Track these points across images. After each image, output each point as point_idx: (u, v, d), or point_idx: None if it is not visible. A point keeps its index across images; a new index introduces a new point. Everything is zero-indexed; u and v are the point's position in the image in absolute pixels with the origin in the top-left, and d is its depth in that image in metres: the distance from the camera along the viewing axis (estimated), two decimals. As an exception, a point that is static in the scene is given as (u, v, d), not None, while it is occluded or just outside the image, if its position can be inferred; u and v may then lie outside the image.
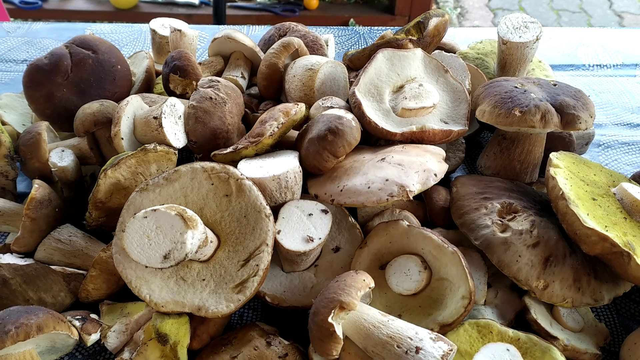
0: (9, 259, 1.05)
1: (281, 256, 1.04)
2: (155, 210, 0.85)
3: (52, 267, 1.04)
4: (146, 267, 0.96)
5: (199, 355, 0.98)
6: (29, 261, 1.04)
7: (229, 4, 3.81)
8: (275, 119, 1.09)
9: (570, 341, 0.96)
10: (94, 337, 0.95)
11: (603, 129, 1.42)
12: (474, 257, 1.04)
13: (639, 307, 1.09)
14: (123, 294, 1.05)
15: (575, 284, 0.99)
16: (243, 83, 1.38)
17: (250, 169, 1.04)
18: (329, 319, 0.86)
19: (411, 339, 0.86)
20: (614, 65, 1.62)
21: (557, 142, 1.24)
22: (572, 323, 1.00)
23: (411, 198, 0.99)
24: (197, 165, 1.00)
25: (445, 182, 1.21)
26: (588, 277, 1.00)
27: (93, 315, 0.99)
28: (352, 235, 1.09)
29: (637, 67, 1.61)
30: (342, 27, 1.80)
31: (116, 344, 0.97)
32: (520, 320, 1.01)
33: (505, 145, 1.21)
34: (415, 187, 1.00)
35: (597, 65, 1.62)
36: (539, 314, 0.98)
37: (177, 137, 1.14)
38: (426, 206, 1.14)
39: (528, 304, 0.99)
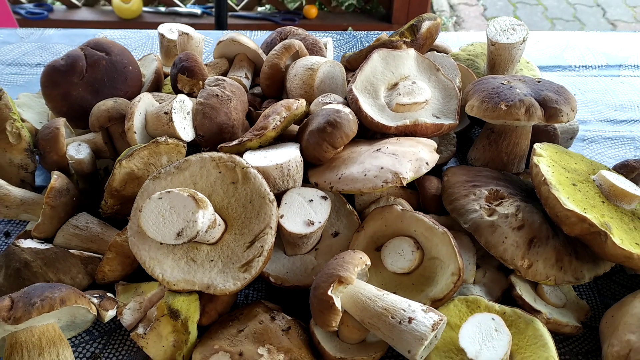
0: (30, 243, 1.12)
1: (284, 240, 1.12)
2: (169, 192, 0.93)
3: (71, 251, 1.12)
4: (159, 249, 1.04)
5: (208, 331, 1.05)
6: (48, 246, 1.12)
7: (230, 13, 3.91)
8: (277, 113, 1.17)
9: (552, 315, 1.03)
10: (110, 313, 1.03)
11: (587, 125, 1.50)
12: (463, 239, 1.12)
13: (619, 287, 1.17)
14: (137, 276, 1.12)
15: (558, 263, 1.06)
16: (247, 83, 1.46)
17: (254, 159, 1.11)
18: (329, 292, 0.94)
19: (404, 311, 0.94)
20: (598, 66, 1.70)
21: (542, 135, 1.32)
22: (554, 299, 1.07)
23: (404, 184, 1.07)
24: (206, 155, 1.08)
25: (438, 173, 1.29)
26: (570, 257, 1.07)
27: (109, 295, 1.06)
28: (350, 221, 1.17)
29: (620, 67, 1.70)
30: (340, 31, 1.88)
31: (131, 321, 1.04)
32: (507, 298, 1.08)
33: (494, 138, 1.29)
34: (408, 174, 1.07)
35: (582, 66, 1.70)
36: (523, 291, 1.06)
37: (186, 131, 1.22)
38: (419, 194, 1.21)
39: (514, 281, 1.07)
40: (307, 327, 1.05)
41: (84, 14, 3.99)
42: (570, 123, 1.40)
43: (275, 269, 1.12)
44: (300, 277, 1.11)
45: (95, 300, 1.03)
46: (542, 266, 1.05)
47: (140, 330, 1.03)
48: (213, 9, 3.78)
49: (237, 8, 4.02)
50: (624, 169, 1.26)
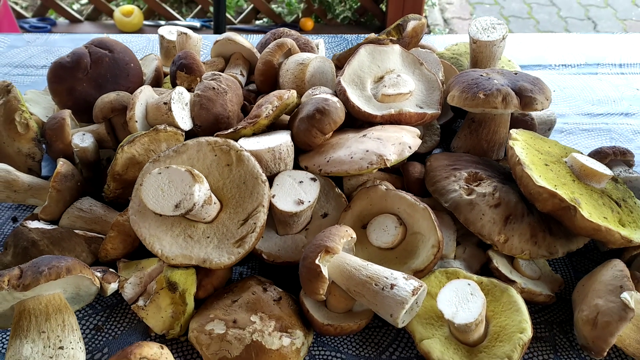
0: (37, 224, 1.19)
1: (276, 220, 1.19)
2: (168, 167, 1.00)
3: (75, 231, 1.19)
4: (158, 226, 1.11)
5: (204, 303, 1.12)
6: (54, 227, 1.19)
7: (228, 26, 4.02)
8: (270, 102, 1.25)
9: (527, 285, 1.10)
10: (113, 286, 1.10)
11: (566, 118, 1.58)
12: (444, 218, 1.19)
13: (593, 264, 1.23)
14: (137, 254, 1.19)
15: (532, 238, 1.13)
16: (242, 80, 1.55)
17: (248, 144, 1.19)
18: (316, 261, 1.01)
19: (387, 278, 1.01)
20: (577, 65, 1.79)
21: (520, 125, 1.40)
22: (530, 272, 1.14)
23: (388, 166, 1.14)
24: (203, 139, 1.16)
25: (422, 162, 1.36)
26: (544, 233, 1.14)
27: (111, 270, 1.13)
28: (339, 203, 1.24)
29: (598, 66, 1.78)
30: (332, 35, 1.97)
31: (132, 295, 1.11)
32: (485, 271, 1.15)
33: (474, 127, 1.37)
34: (392, 156, 1.15)
35: (562, 65, 1.79)
36: (500, 264, 1.12)
37: (184, 120, 1.29)
38: (403, 178, 1.29)
39: (491, 255, 1.14)
40: (297, 298, 1.12)
41: (86, 27, 4.10)
42: (547, 115, 1.48)
43: (268, 247, 1.18)
44: (291, 254, 1.18)
45: (99, 274, 1.09)
46: (517, 241, 1.12)
47: (140, 302, 1.10)
48: (212, 22, 3.88)
49: (236, 21, 4.12)
50: (597, 155, 1.34)
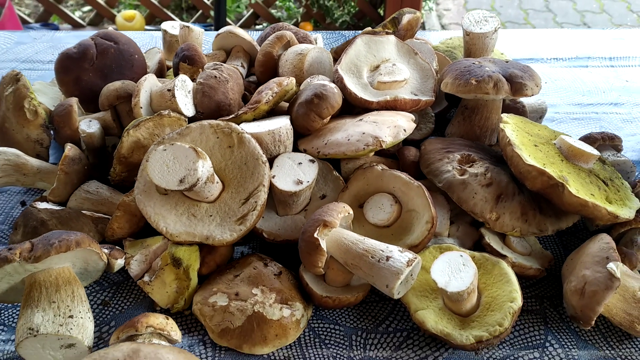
0: (45, 205, 1.24)
1: (276, 200, 1.23)
2: (172, 144, 1.05)
3: (83, 211, 1.23)
4: (163, 205, 1.15)
5: (207, 279, 1.16)
6: (62, 208, 1.24)
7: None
8: (270, 89, 1.30)
9: (517, 259, 1.14)
10: (119, 262, 1.14)
11: (557, 108, 1.63)
12: (438, 198, 1.24)
13: (582, 243, 1.27)
14: (142, 234, 1.23)
15: (523, 216, 1.18)
16: (243, 71, 1.60)
17: (249, 128, 1.24)
18: (315, 235, 1.05)
19: (382, 251, 1.05)
20: (568, 58, 1.84)
21: (511, 112, 1.45)
22: (520, 248, 1.18)
23: (384, 147, 1.19)
24: (205, 122, 1.21)
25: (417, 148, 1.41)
26: (534, 211, 1.19)
27: (118, 248, 1.18)
28: (337, 185, 1.28)
29: (589, 59, 1.84)
30: (330, 31, 2.03)
31: (137, 271, 1.15)
32: (477, 249, 1.19)
33: (467, 114, 1.42)
34: (387, 138, 1.20)
35: (554, 59, 1.84)
36: (492, 240, 1.17)
37: (187, 107, 1.34)
38: (399, 162, 1.33)
39: (483, 232, 1.18)
40: (297, 274, 1.16)
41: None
42: (539, 103, 1.53)
43: (268, 227, 1.23)
44: (291, 232, 1.22)
45: (106, 251, 1.14)
46: (508, 218, 1.17)
47: (146, 278, 1.14)
48: (212, 27, 3.95)
49: (236, 26, 4.18)
50: (586, 140, 1.39)
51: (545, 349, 1.07)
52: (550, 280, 1.19)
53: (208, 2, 3.87)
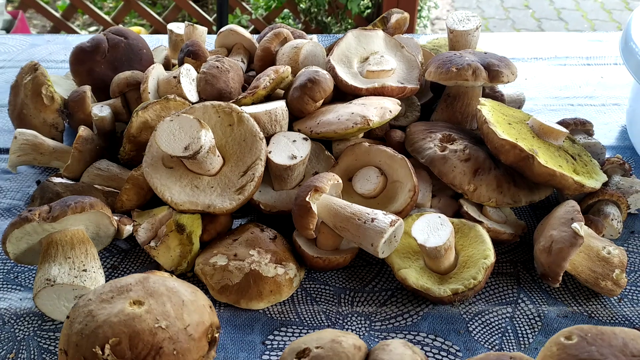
0: (60, 180, 1.35)
1: (272, 175, 1.34)
2: (178, 115, 1.16)
3: (95, 186, 1.34)
4: (168, 177, 1.26)
5: (208, 245, 1.27)
6: (76, 182, 1.35)
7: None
8: (267, 75, 1.42)
9: (492, 225, 1.25)
10: (128, 228, 1.24)
11: (535, 100, 1.75)
12: (421, 173, 1.34)
13: (555, 217, 1.38)
14: (149, 207, 1.34)
15: (498, 188, 1.28)
16: (243, 67, 1.72)
17: (248, 109, 1.35)
18: (307, 199, 1.16)
19: (368, 214, 1.16)
20: (548, 58, 1.96)
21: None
22: (496, 217, 1.29)
23: (371, 126, 1.30)
24: (208, 103, 1.32)
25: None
26: (509, 184, 1.30)
27: (127, 216, 1.28)
28: (328, 164, 1.39)
29: (567, 58, 1.96)
30: (324, 34, 2.15)
31: (144, 238, 1.25)
32: (457, 218, 1.29)
33: (450, 101, 1.53)
34: (374, 118, 1.31)
35: (534, 58, 1.96)
36: (469, 209, 1.27)
37: (191, 93, 1.46)
38: (386, 143, 1.44)
39: (462, 203, 1.29)
40: (291, 240, 1.26)
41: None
42: (517, 94, 1.65)
43: (265, 199, 1.33)
44: (285, 204, 1.32)
45: (116, 218, 1.24)
46: (485, 190, 1.28)
47: (152, 244, 1.24)
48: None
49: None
50: (560, 124, 1.50)
51: (517, 305, 1.17)
52: (523, 247, 1.30)
53: (211, 19, 4.02)
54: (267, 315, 1.16)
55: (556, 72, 1.89)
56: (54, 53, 2.00)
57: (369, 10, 4.13)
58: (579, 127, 1.50)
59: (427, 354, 1.09)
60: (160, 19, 4.06)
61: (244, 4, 4.10)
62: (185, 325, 0.80)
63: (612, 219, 1.26)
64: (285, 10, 4.33)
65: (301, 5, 4.15)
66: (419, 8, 4.36)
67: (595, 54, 1.98)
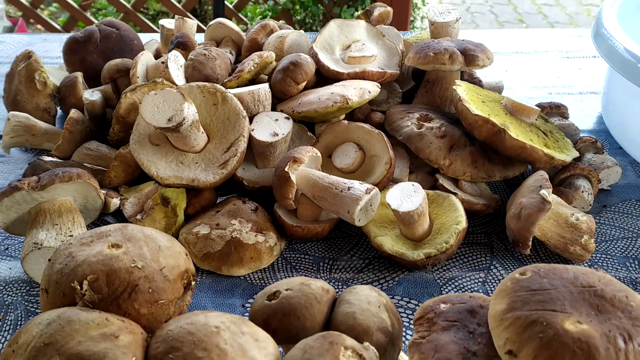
0: (51, 159, 1.40)
1: (255, 153, 1.39)
2: (162, 89, 1.22)
3: (84, 164, 1.39)
4: (154, 154, 1.31)
5: (193, 217, 1.31)
6: (66, 161, 1.39)
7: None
8: (252, 60, 1.48)
9: (466, 196, 1.29)
10: (115, 202, 1.29)
11: (514, 90, 1.80)
12: (399, 150, 1.39)
13: (530, 194, 1.42)
14: (136, 184, 1.38)
15: (473, 163, 1.33)
16: (231, 57, 1.78)
17: (232, 91, 1.41)
18: (286, 169, 1.21)
19: (345, 183, 1.20)
20: (528, 52, 2.03)
21: (469, 85, 1.61)
22: (471, 190, 1.33)
23: (350, 104, 1.35)
24: (193, 84, 1.38)
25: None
26: (483, 160, 1.34)
27: (114, 191, 1.33)
28: (310, 144, 1.44)
29: (547, 52, 2.02)
30: (314, 32, 2.22)
31: (131, 212, 1.30)
32: (434, 191, 1.34)
33: (429, 86, 1.59)
34: (353, 97, 1.36)
35: (514, 52, 2.03)
36: (445, 182, 1.32)
37: (178, 78, 1.51)
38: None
39: (438, 177, 1.33)
40: (272, 213, 1.31)
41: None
42: (496, 82, 1.70)
43: (248, 176, 1.38)
44: (268, 180, 1.37)
45: (103, 192, 1.29)
46: (460, 165, 1.32)
47: (138, 217, 1.28)
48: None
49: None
50: (535, 108, 1.55)
51: (489, 271, 1.21)
52: (498, 220, 1.34)
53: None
54: (247, 282, 1.20)
55: (536, 65, 1.95)
56: (50, 50, 2.06)
57: (362, 21, 4.22)
58: (554, 110, 1.55)
59: (402, 314, 1.12)
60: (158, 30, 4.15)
61: (240, 14, 4.19)
62: (160, 267, 0.84)
63: (583, 191, 1.31)
64: (281, 21, 4.42)
65: (296, 16, 4.24)
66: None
67: (575, 48, 2.04)
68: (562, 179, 1.36)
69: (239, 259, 1.20)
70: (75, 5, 3.82)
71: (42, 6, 5.05)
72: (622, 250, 1.26)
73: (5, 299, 1.15)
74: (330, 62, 1.54)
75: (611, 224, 1.33)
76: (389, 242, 1.20)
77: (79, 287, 0.79)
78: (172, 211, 1.28)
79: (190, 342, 0.72)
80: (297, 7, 4.18)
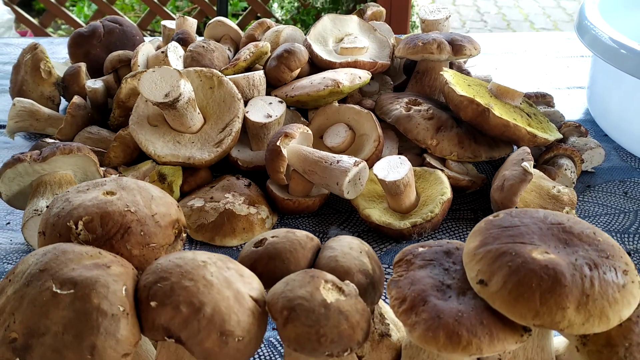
0: (53, 141, 1.45)
1: (250, 135, 1.44)
2: (160, 67, 1.28)
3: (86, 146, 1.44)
4: (152, 134, 1.36)
5: (189, 194, 1.36)
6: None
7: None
8: (248, 49, 1.54)
9: (453, 173, 1.33)
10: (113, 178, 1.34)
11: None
12: (389, 133, 1.44)
13: (517, 176, 1.46)
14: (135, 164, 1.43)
15: (459, 144, 1.38)
16: (229, 54, 1.84)
17: (229, 77, 1.47)
18: (277, 143, 1.26)
19: (334, 157, 1.25)
20: (517, 53, 2.09)
21: (458, 76, 1.67)
22: (458, 169, 1.37)
23: (341, 89, 1.41)
24: (191, 68, 1.44)
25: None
26: (469, 140, 1.39)
27: (113, 169, 1.38)
28: (303, 128, 1.49)
29: (535, 53, 2.08)
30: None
31: (129, 189, 1.35)
32: (421, 170, 1.38)
33: (419, 77, 1.64)
34: (345, 82, 1.42)
35: (504, 53, 2.09)
36: (432, 161, 1.36)
37: (177, 67, 1.58)
38: (358, 111, 1.55)
39: (426, 156, 1.38)
40: (265, 189, 1.35)
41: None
42: (484, 76, 1.76)
43: (243, 157, 1.43)
44: (262, 160, 1.42)
45: (103, 168, 1.34)
46: (447, 144, 1.37)
47: (135, 193, 1.33)
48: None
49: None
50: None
51: (475, 242, 1.24)
52: (484, 197, 1.38)
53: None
54: (240, 252, 1.23)
55: (525, 64, 2.01)
56: (56, 52, 2.14)
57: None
58: (539, 99, 1.60)
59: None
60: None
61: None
62: (152, 213, 0.89)
63: (566, 169, 1.35)
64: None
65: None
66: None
67: (562, 49, 2.11)
68: (546, 159, 1.40)
69: (232, 230, 1.24)
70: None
71: (50, 29, 5.18)
72: (605, 225, 1.29)
73: (6, 267, 1.20)
74: (323, 53, 1.60)
75: (594, 201, 1.37)
76: (377, 213, 1.24)
77: (74, 227, 0.83)
78: (168, 187, 1.33)
79: (178, 273, 0.76)
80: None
